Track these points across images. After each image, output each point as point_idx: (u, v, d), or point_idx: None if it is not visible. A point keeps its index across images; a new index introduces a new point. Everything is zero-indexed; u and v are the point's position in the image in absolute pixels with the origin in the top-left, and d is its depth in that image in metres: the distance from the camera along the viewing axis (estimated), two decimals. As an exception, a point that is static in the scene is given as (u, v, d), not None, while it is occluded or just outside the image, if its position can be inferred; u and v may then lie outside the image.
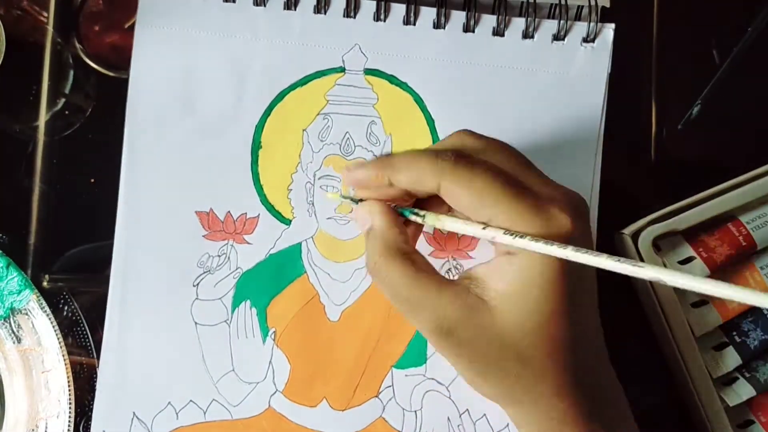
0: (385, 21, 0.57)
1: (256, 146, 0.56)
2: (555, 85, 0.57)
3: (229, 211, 0.56)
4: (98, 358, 0.55)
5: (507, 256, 0.45)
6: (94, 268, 0.57)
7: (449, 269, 0.56)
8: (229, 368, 0.55)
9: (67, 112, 0.58)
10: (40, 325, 0.55)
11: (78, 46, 0.58)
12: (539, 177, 0.47)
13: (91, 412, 0.55)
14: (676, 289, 0.56)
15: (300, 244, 0.56)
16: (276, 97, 0.57)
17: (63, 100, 0.58)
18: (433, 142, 0.57)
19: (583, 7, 0.57)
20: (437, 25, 0.57)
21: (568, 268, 0.44)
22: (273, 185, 0.56)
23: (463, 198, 0.45)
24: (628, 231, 0.56)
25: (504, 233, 0.43)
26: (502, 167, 0.45)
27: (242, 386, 0.55)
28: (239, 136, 0.56)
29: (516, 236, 0.43)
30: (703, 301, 0.57)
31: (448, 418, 0.56)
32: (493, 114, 0.57)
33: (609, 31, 0.57)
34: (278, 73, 0.57)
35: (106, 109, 0.58)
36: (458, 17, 0.57)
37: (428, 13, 0.57)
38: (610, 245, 0.58)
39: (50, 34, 0.58)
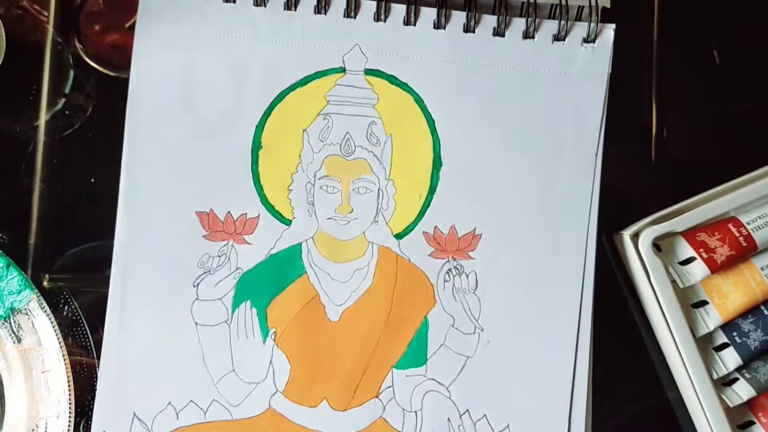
0: (385, 21, 0.57)
1: (256, 146, 0.56)
2: (555, 85, 0.57)
3: (229, 212, 0.56)
4: (98, 358, 0.55)
5: None
6: (94, 268, 0.57)
7: (449, 269, 0.56)
8: (229, 368, 0.55)
9: (67, 112, 0.58)
10: (40, 325, 0.55)
11: (78, 45, 0.58)
12: None
13: (91, 412, 0.55)
14: (677, 290, 0.56)
15: (300, 244, 0.56)
16: (276, 98, 0.57)
17: (63, 100, 0.58)
18: (433, 141, 0.57)
19: (583, 7, 0.57)
20: (438, 26, 0.57)
21: None
22: (273, 185, 0.56)
23: None
24: (628, 231, 0.56)
25: None
26: None
27: (242, 386, 0.55)
28: (239, 137, 0.56)
29: None
30: (704, 301, 0.57)
31: (449, 419, 0.56)
32: (493, 114, 0.57)
33: (609, 31, 0.57)
34: (278, 73, 0.57)
35: (106, 109, 0.58)
36: (459, 17, 0.57)
37: (429, 14, 0.57)
38: (610, 245, 0.58)
39: (50, 33, 0.58)
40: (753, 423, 0.57)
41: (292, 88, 0.57)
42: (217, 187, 0.56)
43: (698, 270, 0.56)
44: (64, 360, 0.55)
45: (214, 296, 0.55)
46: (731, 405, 0.56)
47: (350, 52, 0.57)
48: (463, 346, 0.56)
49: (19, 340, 0.55)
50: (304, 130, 0.57)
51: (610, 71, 0.57)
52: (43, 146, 0.58)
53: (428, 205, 0.56)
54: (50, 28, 0.58)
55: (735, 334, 0.57)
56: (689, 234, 0.57)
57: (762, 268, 0.57)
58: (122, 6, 0.58)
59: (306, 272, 0.56)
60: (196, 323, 0.55)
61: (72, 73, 0.58)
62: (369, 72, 0.57)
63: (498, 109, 0.57)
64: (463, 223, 0.56)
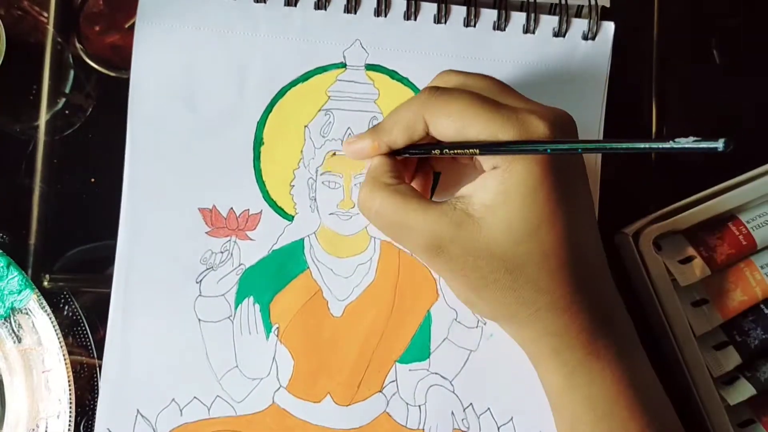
0: (386, 16, 0.57)
1: (257, 143, 0.56)
2: (556, 81, 0.57)
3: (231, 208, 0.56)
4: (99, 357, 0.55)
5: (491, 171, 0.46)
6: (94, 268, 0.57)
7: None
8: (232, 364, 0.55)
9: (67, 112, 0.58)
10: (41, 325, 0.55)
11: (78, 46, 0.58)
12: (520, 98, 0.48)
13: (92, 411, 0.55)
14: (677, 288, 0.56)
15: (302, 239, 0.56)
16: (277, 94, 0.57)
17: (63, 100, 0.58)
18: (435, 137, 0.57)
19: (583, 6, 0.58)
20: (438, 20, 0.57)
21: (552, 173, 0.45)
22: (275, 181, 0.56)
23: (445, 124, 0.46)
24: (628, 231, 0.56)
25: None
26: (481, 92, 0.47)
27: (246, 382, 0.55)
28: (241, 133, 0.56)
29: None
30: (704, 300, 0.57)
31: (452, 413, 0.55)
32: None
33: (609, 27, 0.58)
34: (279, 69, 0.57)
35: (106, 109, 0.58)
36: (459, 12, 0.57)
37: (429, 8, 0.57)
38: (610, 245, 0.58)
39: (50, 34, 0.58)
40: (753, 421, 0.57)
41: (293, 84, 0.57)
42: (219, 184, 0.56)
43: (698, 269, 0.56)
44: (65, 360, 0.55)
45: (217, 292, 0.55)
46: (731, 403, 0.56)
47: (351, 47, 0.57)
48: (466, 340, 0.56)
49: (20, 340, 0.55)
50: (305, 126, 0.57)
51: (609, 68, 0.58)
52: (43, 146, 0.58)
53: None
54: (50, 28, 0.58)
55: (735, 332, 0.57)
56: (689, 232, 0.57)
57: (762, 267, 0.57)
58: (122, 6, 0.58)
59: (308, 268, 0.56)
60: (199, 319, 0.55)
61: (72, 73, 0.58)
62: (370, 67, 0.57)
63: (498, 103, 0.57)
64: (466, 218, 0.56)
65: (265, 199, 0.56)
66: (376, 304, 0.56)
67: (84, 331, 0.56)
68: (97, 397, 0.55)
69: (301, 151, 0.56)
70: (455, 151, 0.47)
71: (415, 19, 0.57)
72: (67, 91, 0.58)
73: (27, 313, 0.55)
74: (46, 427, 0.54)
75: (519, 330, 0.49)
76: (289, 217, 0.56)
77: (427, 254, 0.47)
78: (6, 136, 0.57)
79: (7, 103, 0.58)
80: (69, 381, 0.55)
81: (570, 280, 0.46)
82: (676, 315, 0.55)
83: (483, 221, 0.45)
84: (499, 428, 0.55)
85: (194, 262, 0.55)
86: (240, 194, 0.56)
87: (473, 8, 0.57)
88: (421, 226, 0.46)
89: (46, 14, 0.58)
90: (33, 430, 0.54)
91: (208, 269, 0.55)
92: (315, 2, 0.57)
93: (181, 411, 0.54)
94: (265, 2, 0.57)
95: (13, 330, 0.55)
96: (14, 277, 0.55)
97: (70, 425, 0.54)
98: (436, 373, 0.56)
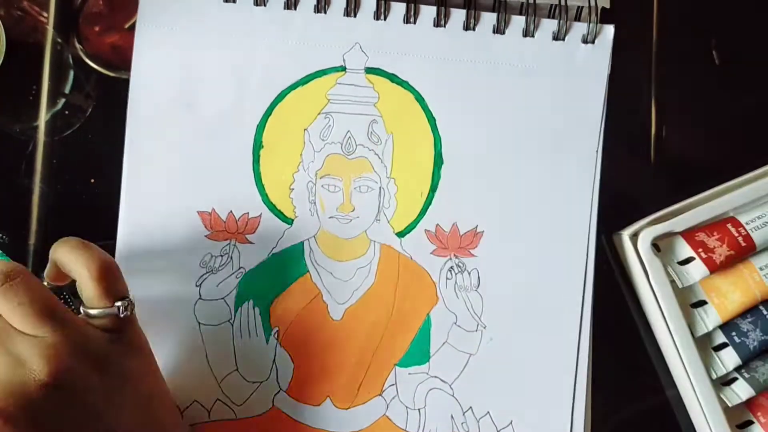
0: (385, 20, 0.57)
1: (257, 146, 0.56)
2: (555, 84, 0.57)
3: (231, 211, 0.56)
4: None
5: None
6: (94, 269, 0.57)
7: (451, 267, 0.56)
8: (232, 368, 0.55)
9: (67, 112, 0.58)
10: (42, 326, 0.55)
11: (78, 46, 0.58)
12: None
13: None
14: (676, 290, 0.56)
15: (302, 243, 0.56)
16: (277, 97, 0.57)
17: (63, 100, 0.58)
18: (435, 140, 0.57)
19: (582, 7, 0.57)
20: (437, 23, 0.57)
21: None
22: (275, 185, 0.56)
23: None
24: (627, 231, 0.56)
25: None
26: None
27: (246, 386, 0.55)
28: (240, 136, 0.56)
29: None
30: (703, 301, 0.57)
31: (452, 416, 0.56)
32: (493, 112, 0.57)
33: (609, 30, 0.57)
34: (279, 72, 0.57)
35: (106, 109, 0.58)
36: (458, 15, 0.57)
37: (428, 12, 0.57)
38: (610, 245, 0.59)
39: (50, 34, 0.58)
40: (752, 423, 0.57)
41: (293, 87, 0.57)
42: (218, 187, 0.56)
43: (697, 270, 0.56)
44: (66, 361, 0.55)
45: (217, 296, 0.55)
46: (730, 405, 0.56)
47: (351, 50, 0.57)
48: (465, 344, 0.56)
49: (20, 341, 0.55)
50: (305, 129, 0.57)
51: (609, 71, 0.58)
52: (42, 146, 0.58)
53: (430, 203, 0.57)
54: (50, 29, 0.58)
55: (734, 333, 0.57)
56: (688, 234, 0.57)
57: (761, 268, 0.57)
58: (122, 6, 0.58)
59: (308, 271, 0.56)
60: (199, 323, 0.55)
61: (72, 73, 0.58)
62: (369, 70, 0.57)
63: (498, 107, 0.57)
64: (465, 221, 0.56)
65: (264, 203, 0.56)
66: (376, 307, 0.56)
67: (84, 331, 0.56)
68: (97, 399, 0.55)
69: (301, 155, 0.56)
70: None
71: (415, 23, 0.57)
72: (66, 91, 0.58)
73: (27, 315, 0.55)
74: (47, 428, 0.55)
75: None
76: (289, 221, 0.56)
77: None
78: (6, 136, 0.57)
79: (7, 103, 0.58)
80: (69, 382, 0.55)
81: None
82: (675, 316, 0.55)
83: None
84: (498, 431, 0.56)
85: (194, 266, 0.55)
86: (239, 197, 0.56)
87: (473, 12, 0.57)
88: None
89: (45, 14, 0.58)
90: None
91: (207, 272, 0.55)
92: (315, 5, 0.57)
93: (181, 414, 0.54)
94: (265, 5, 0.57)
95: (13, 331, 0.55)
96: (15, 278, 0.55)
97: (70, 426, 0.54)
98: (435, 377, 0.56)
